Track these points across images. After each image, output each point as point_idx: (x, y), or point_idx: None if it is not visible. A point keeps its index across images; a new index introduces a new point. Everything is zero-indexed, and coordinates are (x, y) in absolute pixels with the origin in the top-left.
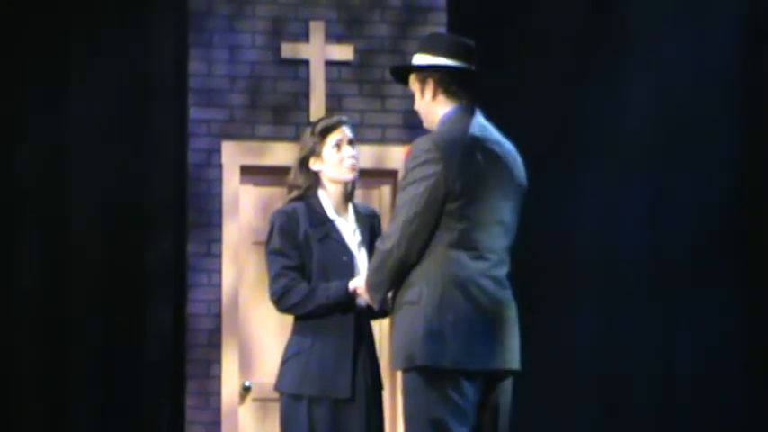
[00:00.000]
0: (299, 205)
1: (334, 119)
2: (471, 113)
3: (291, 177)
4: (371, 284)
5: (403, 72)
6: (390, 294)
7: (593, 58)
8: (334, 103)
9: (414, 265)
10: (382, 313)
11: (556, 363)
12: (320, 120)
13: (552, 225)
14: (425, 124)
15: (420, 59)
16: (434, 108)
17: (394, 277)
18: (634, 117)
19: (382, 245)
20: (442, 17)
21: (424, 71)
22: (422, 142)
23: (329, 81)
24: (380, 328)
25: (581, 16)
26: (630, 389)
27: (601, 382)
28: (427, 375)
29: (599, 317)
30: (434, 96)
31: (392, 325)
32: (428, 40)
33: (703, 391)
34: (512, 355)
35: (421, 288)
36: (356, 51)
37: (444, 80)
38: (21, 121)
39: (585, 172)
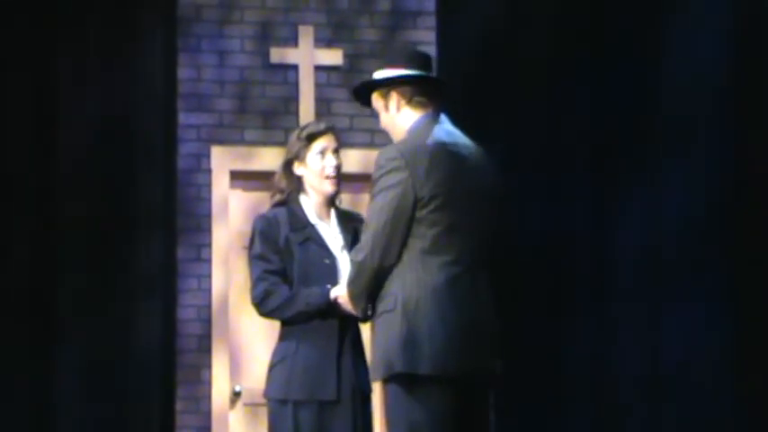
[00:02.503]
0: (280, 210)
1: (322, 126)
2: (437, 121)
3: (276, 181)
4: (351, 295)
5: (365, 89)
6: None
7: (583, 60)
8: (323, 107)
9: (390, 271)
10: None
11: (545, 364)
12: (308, 124)
13: (544, 228)
14: (393, 139)
15: (380, 75)
16: (400, 121)
17: (371, 287)
18: (626, 120)
19: (356, 256)
20: (431, 21)
21: (386, 85)
22: (386, 151)
23: (318, 85)
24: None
25: (572, 17)
26: (620, 391)
27: (591, 384)
28: (406, 384)
29: (590, 319)
30: (399, 109)
31: (372, 335)
32: (385, 54)
33: (692, 393)
34: (490, 360)
35: (396, 296)
36: (345, 56)
37: (407, 91)
38: (7, 126)
39: (578, 176)
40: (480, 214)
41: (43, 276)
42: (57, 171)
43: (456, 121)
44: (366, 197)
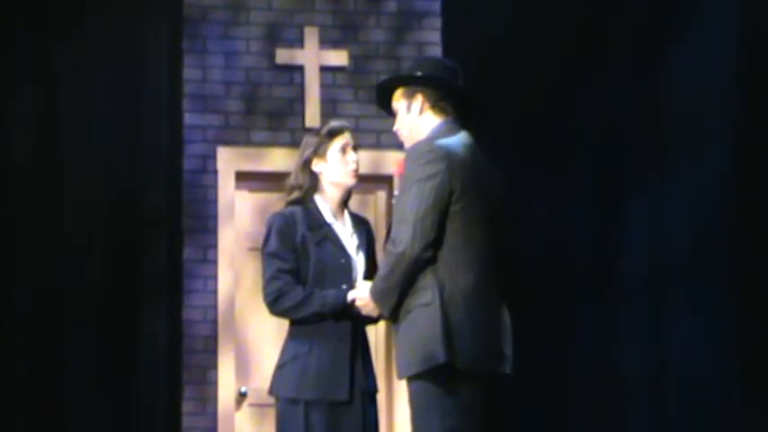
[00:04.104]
0: (297, 209)
1: (340, 123)
2: (456, 128)
3: (292, 179)
4: (381, 292)
5: (392, 85)
6: None
7: (587, 62)
8: (330, 108)
9: (426, 265)
10: (377, 320)
11: (551, 365)
12: (325, 124)
13: (549, 228)
14: (407, 143)
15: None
16: (420, 123)
17: (406, 280)
18: (630, 123)
19: (394, 248)
20: (437, 22)
21: (414, 84)
22: (421, 144)
23: (324, 86)
24: (376, 334)
25: (575, 20)
26: (625, 391)
27: (591, 385)
28: (442, 377)
29: (596, 318)
30: (421, 111)
31: (396, 332)
32: (416, 62)
33: (697, 394)
34: (508, 360)
35: (433, 291)
36: (351, 57)
37: (433, 95)
38: (13, 126)
39: (581, 178)
40: (494, 218)
41: (48, 277)
42: (61, 172)
43: (461, 122)
44: (372, 197)
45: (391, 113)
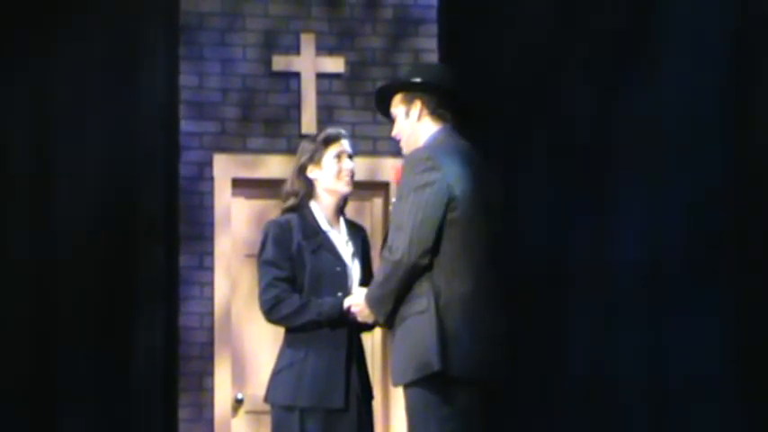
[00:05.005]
0: (293, 216)
1: (336, 130)
2: (453, 135)
3: (287, 185)
4: (376, 299)
5: (392, 90)
6: None
7: (584, 64)
8: (326, 115)
9: (422, 272)
10: (372, 327)
11: (550, 365)
12: (321, 130)
13: (549, 228)
14: (405, 148)
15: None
16: (419, 129)
17: (402, 287)
18: (629, 123)
19: (391, 256)
20: (433, 29)
21: (413, 90)
22: (419, 151)
23: (320, 93)
24: (372, 341)
25: (572, 21)
26: (625, 392)
27: (594, 384)
28: (438, 385)
29: (595, 319)
30: (420, 117)
31: (392, 339)
32: (415, 68)
33: (697, 394)
34: (505, 366)
35: (428, 298)
36: (347, 63)
37: (432, 101)
38: (7, 133)
39: (578, 180)
40: (492, 225)
41: (45, 283)
42: (57, 177)
43: (457, 127)
44: (369, 204)
45: (390, 118)
